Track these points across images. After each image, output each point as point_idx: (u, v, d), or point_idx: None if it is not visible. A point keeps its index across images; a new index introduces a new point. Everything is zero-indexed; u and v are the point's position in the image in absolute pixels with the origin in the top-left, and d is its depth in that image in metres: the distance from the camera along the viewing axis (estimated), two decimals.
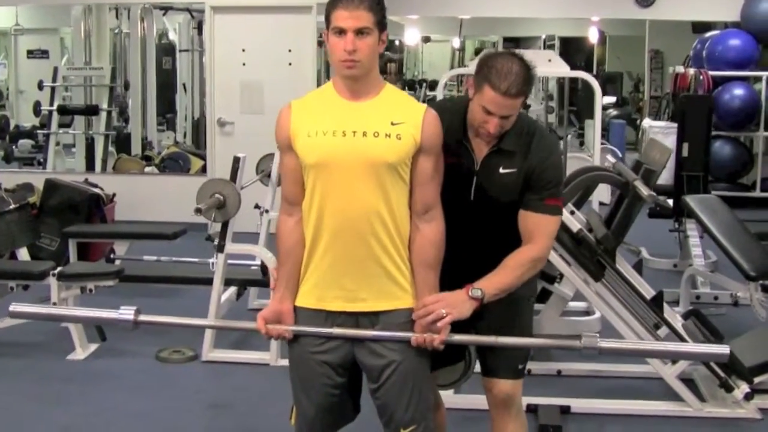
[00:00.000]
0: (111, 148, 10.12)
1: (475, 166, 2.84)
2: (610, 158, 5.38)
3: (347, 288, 2.68)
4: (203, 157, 9.37)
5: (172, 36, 11.74)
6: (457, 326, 2.73)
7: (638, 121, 12.47)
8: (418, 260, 2.70)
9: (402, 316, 2.71)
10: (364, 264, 2.66)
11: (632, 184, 4.24)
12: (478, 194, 2.85)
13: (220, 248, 5.07)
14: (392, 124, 2.63)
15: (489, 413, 3.14)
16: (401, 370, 2.70)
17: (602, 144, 6.52)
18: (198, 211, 4.76)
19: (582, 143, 10.70)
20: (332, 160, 2.63)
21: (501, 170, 2.81)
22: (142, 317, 2.76)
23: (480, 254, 2.84)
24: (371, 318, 2.70)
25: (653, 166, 4.55)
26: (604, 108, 7.91)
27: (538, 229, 2.81)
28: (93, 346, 5.32)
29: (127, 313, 2.76)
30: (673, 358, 4.24)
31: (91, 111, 10.06)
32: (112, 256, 6.39)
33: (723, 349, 2.65)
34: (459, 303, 2.69)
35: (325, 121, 2.65)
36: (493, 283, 2.75)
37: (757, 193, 10.36)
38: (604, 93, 6.77)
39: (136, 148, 10.36)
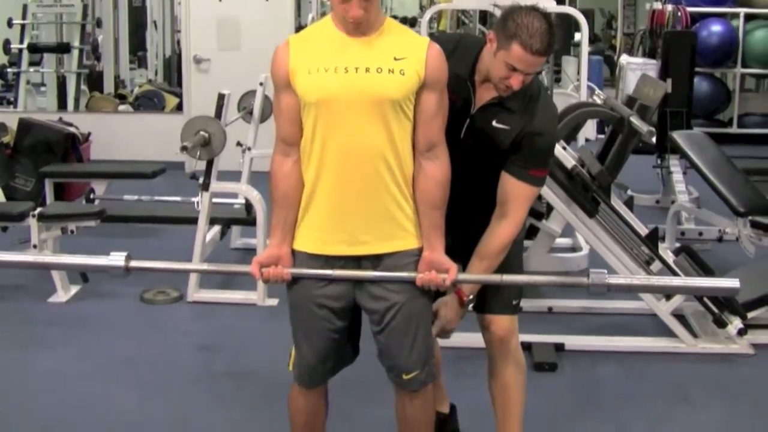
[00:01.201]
0: (83, 87, 9.89)
1: (472, 109, 2.77)
2: (599, 94, 5.30)
3: (349, 231, 2.60)
4: (178, 95, 9.22)
5: None
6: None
7: (615, 58, 12.39)
8: (423, 200, 2.62)
9: (406, 258, 2.64)
10: (366, 205, 2.57)
11: (628, 120, 4.18)
12: (468, 136, 2.78)
13: (205, 187, 4.97)
14: (395, 59, 2.53)
15: (486, 353, 3.11)
16: (405, 312, 2.64)
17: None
18: (184, 149, 4.66)
19: (558, 80, 10.59)
20: (334, 98, 2.53)
21: (494, 123, 2.75)
22: (134, 263, 2.66)
23: (464, 192, 2.76)
24: (374, 261, 2.63)
25: (647, 101, 4.48)
26: (578, 44, 7.81)
27: (516, 198, 2.77)
28: (75, 288, 5.22)
29: (117, 259, 2.66)
30: (682, 293, 4.22)
31: (62, 49, 9.82)
32: (91, 196, 6.26)
33: (733, 283, 2.61)
34: (456, 313, 2.85)
35: (325, 58, 2.55)
36: (477, 280, 2.83)
37: (734, 130, 10.38)
38: (576, 29, 6.71)
39: (108, 86, 10.17)
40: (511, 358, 3.05)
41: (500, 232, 2.79)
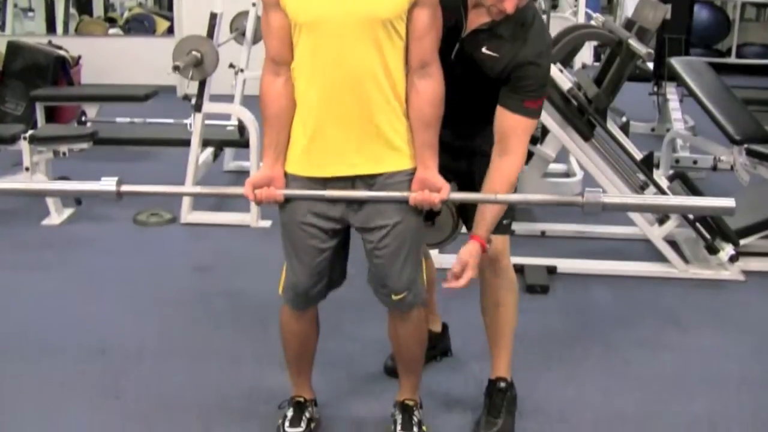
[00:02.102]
0: (72, 10, 9.77)
1: (462, 31, 2.70)
2: (598, 17, 5.24)
3: (341, 152, 2.57)
4: (168, 18, 9.11)
5: None
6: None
7: None
8: (416, 119, 2.58)
9: (399, 177, 2.61)
10: (358, 126, 2.53)
11: (626, 42, 4.13)
12: (457, 61, 2.70)
13: (198, 107, 4.93)
14: None
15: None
16: (397, 232, 2.63)
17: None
18: (176, 68, 4.61)
19: (555, 6, 10.49)
20: (324, 18, 2.46)
21: (484, 49, 2.66)
22: (125, 187, 2.63)
23: (456, 116, 2.70)
24: (367, 181, 2.60)
25: (646, 24, 4.43)
26: None
27: (514, 132, 2.68)
28: (68, 211, 5.22)
29: (109, 184, 2.63)
30: (678, 212, 4.23)
31: None
32: (83, 119, 6.21)
33: (729, 202, 2.60)
34: (478, 260, 2.70)
35: None
36: (490, 223, 2.74)
37: (733, 60, 10.32)
38: None
39: (98, 9, 10.06)
40: (502, 277, 3.03)
41: (504, 169, 2.70)
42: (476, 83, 2.71)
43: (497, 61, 2.64)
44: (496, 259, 2.98)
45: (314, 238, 2.65)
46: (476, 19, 2.67)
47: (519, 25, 2.63)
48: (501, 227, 2.92)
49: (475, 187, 2.80)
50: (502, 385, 3.10)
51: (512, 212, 3.01)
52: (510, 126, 2.67)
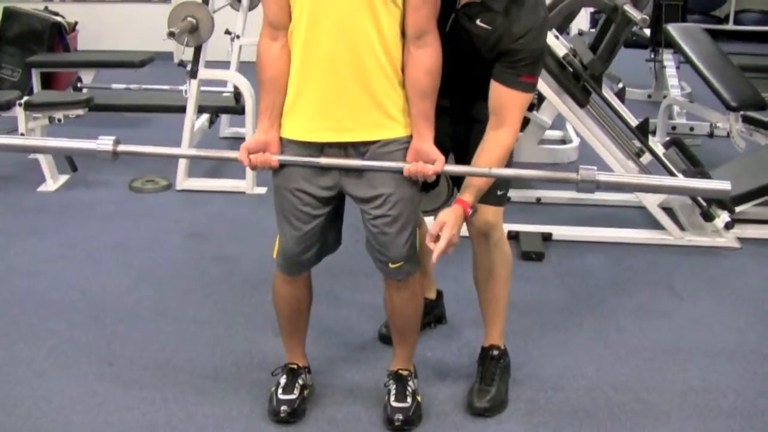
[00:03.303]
0: None
1: (456, 4, 2.68)
2: None
3: (335, 118, 2.56)
4: None
5: None
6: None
7: None
8: (412, 89, 2.58)
9: (394, 146, 2.61)
10: (353, 93, 2.53)
11: (622, 8, 4.10)
12: (452, 33, 2.69)
13: (193, 74, 4.92)
14: None
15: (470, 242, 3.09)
16: (392, 201, 2.62)
17: None
18: (171, 34, 4.58)
19: None
20: None
21: (478, 22, 2.64)
22: (121, 147, 2.63)
23: (451, 83, 2.68)
24: (361, 148, 2.60)
25: None
26: None
27: (510, 107, 2.65)
28: (63, 177, 5.21)
29: (105, 143, 2.63)
30: (673, 193, 4.25)
31: None
32: (79, 84, 6.19)
33: (724, 185, 2.55)
34: (458, 224, 2.62)
35: None
36: (479, 192, 2.69)
37: (731, 26, 10.28)
38: None
39: None
40: (495, 250, 3.00)
41: (499, 142, 2.67)
42: (471, 55, 2.69)
43: (491, 34, 2.62)
44: (488, 231, 2.96)
45: (307, 205, 2.65)
46: None
47: (512, 1, 2.61)
48: (496, 198, 2.92)
49: (471, 153, 2.79)
50: (495, 353, 3.11)
51: (507, 184, 3.00)
52: (505, 100, 2.65)
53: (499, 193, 2.92)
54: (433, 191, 3.40)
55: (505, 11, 2.60)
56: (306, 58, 2.53)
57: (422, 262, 2.95)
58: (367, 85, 2.52)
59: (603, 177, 2.53)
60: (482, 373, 3.08)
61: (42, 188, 5.09)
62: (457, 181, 3.02)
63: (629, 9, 4.09)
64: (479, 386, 3.05)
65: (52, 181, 5.13)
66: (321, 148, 2.60)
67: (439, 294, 3.52)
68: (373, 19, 2.47)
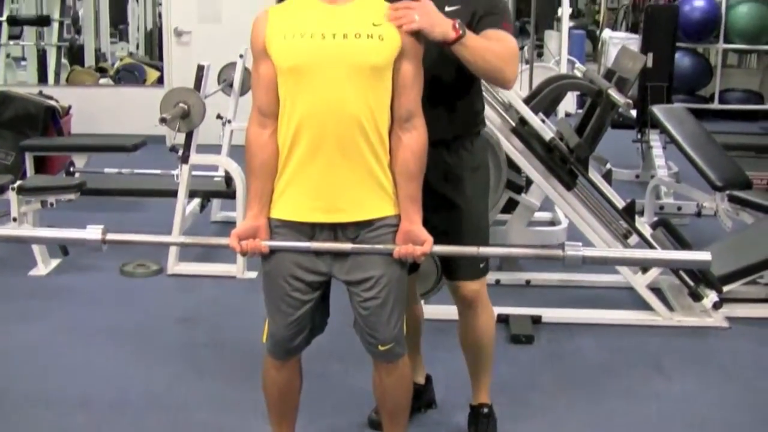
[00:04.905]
0: (63, 60, 9.85)
1: None
2: (579, 67, 5.31)
3: (325, 198, 2.60)
4: (159, 68, 9.19)
5: None
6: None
7: (597, 33, 12.41)
8: (400, 171, 2.63)
9: (384, 228, 2.65)
10: (343, 173, 2.57)
11: (606, 92, 4.19)
12: (431, 45, 2.69)
13: (185, 159, 4.97)
14: (374, 25, 2.53)
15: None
16: (382, 283, 2.64)
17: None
18: (163, 120, 4.65)
19: (540, 54, 10.63)
20: (311, 64, 2.52)
21: (446, 8, 2.74)
22: (110, 236, 2.66)
23: (433, 106, 2.76)
24: (351, 229, 2.64)
25: (626, 74, 4.49)
26: (560, 19, 7.85)
27: (503, 40, 2.73)
28: (55, 262, 5.22)
29: (94, 232, 2.66)
30: (656, 265, 4.27)
31: (42, 22, 9.76)
32: (71, 169, 6.24)
33: (704, 256, 2.63)
34: (438, 19, 2.57)
35: (302, 24, 2.55)
36: (474, 38, 2.64)
37: (716, 105, 10.43)
38: (559, 4, 6.69)
39: (89, 59, 10.13)
40: (480, 313, 3.11)
41: (496, 42, 2.71)
42: (453, 62, 2.72)
43: (462, 11, 2.75)
44: (475, 300, 3.07)
45: (296, 291, 2.67)
46: None
47: None
48: (479, 271, 3.04)
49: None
50: (485, 410, 3.25)
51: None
52: (497, 37, 2.72)
53: (481, 265, 3.04)
54: (421, 276, 3.43)
55: None
56: (295, 138, 2.57)
57: (416, 343, 2.98)
58: (357, 165, 2.56)
59: (588, 252, 2.58)
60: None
61: (33, 272, 5.09)
62: (446, 264, 3.07)
63: (613, 93, 4.17)
64: None
65: (44, 266, 5.14)
66: (312, 230, 2.63)
67: (428, 378, 3.52)
68: (364, 98, 2.53)
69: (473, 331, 3.14)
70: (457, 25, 2.56)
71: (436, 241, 2.66)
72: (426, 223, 2.68)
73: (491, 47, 2.67)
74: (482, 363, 3.23)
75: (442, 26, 2.56)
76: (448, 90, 2.88)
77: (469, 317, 3.12)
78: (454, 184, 2.95)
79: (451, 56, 2.66)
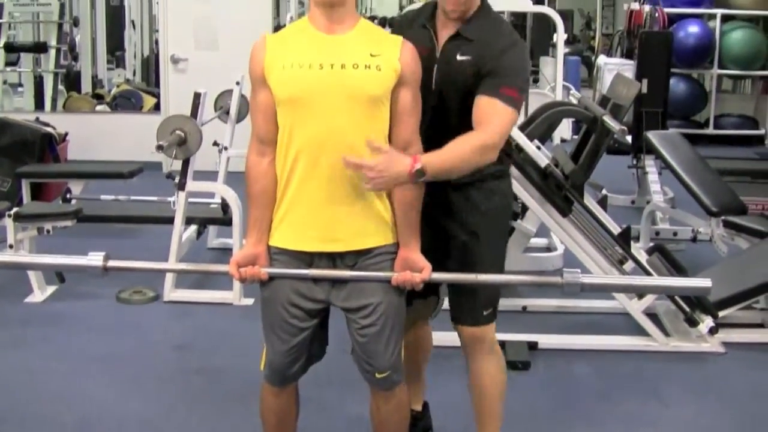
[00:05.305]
0: (60, 87, 9.86)
1: (436, 53, 2.78)
2: (575, 94, 5.34)
3: (324, 227, 2.62)
4: (155, 95, 9.20)
5: None
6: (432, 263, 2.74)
7: (593, 58, 12.46)
8: (398, 200, 2.65)
9: (382, 256, 2.66)
10: (341, 202, 2.59)
11: (601, 119, 4.21)
12: (439, 82, 2.76)
13: (181, 186, 4.97)
14: (371, 55, 2.56)
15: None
16: (381, 311, 2.66)
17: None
18: (159, 148, 4.66)
19: (536, 80, 10.70)
20: (309, 94, 2.55)
21: (458, 57, 2.73)
22: (112, 263, 2.68)
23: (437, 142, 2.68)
24: (349, 258, 2.65)
25: (620, 101, 4.52)
26: (556, 45, 7.89)
27: (490, 116, 2.63)
28: (51, 288, 5.21)
29: (95, 258, 2.67)
30: (656, 292, 4.27)
31: (39, 48, 9.77)
32: (68, 196, 6.24)
33: (705, 282, 2.64)
34: (396, 173, 2.48)
35: (301, 54, 2.57)
36: (437, 163, 2.54)
37: (711, 131, 10.47)
38: (554, 30, 6.75)
39: (86, 86, 10.13)
40: (485, 358, 3.04)
41: (465, 140, 2.60)
42: (460, 102, 2.72)
43: (472, 64, 2.71)
44: (477, 344, 3.00)
45: (294, 318, 2.68)
46: (445, 33, 2.78)
47: (484, 26, 2.75)
48: (482, 318, 2.96)
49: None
50: None
51: (493, 301, 3.00)
52: (485, 110, 2.64)
53: (485, 312, 2.96)
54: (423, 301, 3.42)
55: (479, 38, 2.72)
56: (293, 167, 2.60)
57: (419, 369, 2.97)
58: (355, 195, 2.58)
59: (587, 280, 2.60)
60: None
61: (29, 299, 5.09)
62: (451, 305, 3.06)
63: (608, 120, 4.20)
64: None
65: (40, 292, 5.13)
66: (311, 258, 2.64)
67: (425, 405, 3.51)
68: (361, 128, 2.55)
69: (474, 378, 3.07)
70: (414, 170, 2.48)
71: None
72: (428, 255, 2.68)
73: (459, 155, 2.58)
74: (484, 411, 3.12)
75: (399, 179, 2.50)
76: (450, 130, 2.72)
77: (471, 362, 3.06)
78: (461, 224, 2.90)
79: (452, 96, 2.71)
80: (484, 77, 2.68)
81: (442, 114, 2.77)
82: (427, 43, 2.77)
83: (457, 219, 2.89)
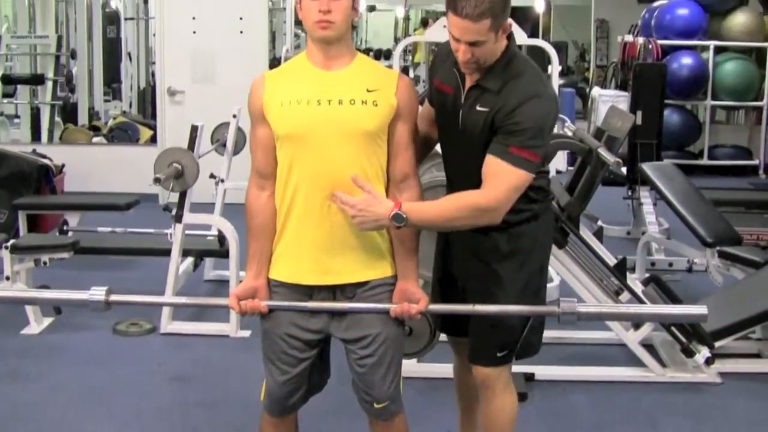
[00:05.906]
0: (57, 119, 9.89)
1: (461, 98, 2.74)
2: (569, 126, 5.38)
3: (322, 260, 2.65)
4: (152, 127, 9.22)
5: (115, 4, 11.51)
6: (445, 295, 2.80)
7: (587, 90, 12.54)
8: (394, 233, 2.67)
9: (380, 288, 2.69)
10: (340, 237, 2.62)
11: (596, 151, 4.24)
12: (463, 126, 2.73)
13: (178, 218, 4.99)
14: (368, 91, 2.59)
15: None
16: (380, 342, 2.68)
17: None
18: (157, 180, 4.68)
19: None
20: (307, 130, 2.58)
21: (477, 107, 2.68)
22: (114, 297, 2.68)
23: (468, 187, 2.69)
24: (348, 290, 2.67)
25: (615, 133, 4.55)
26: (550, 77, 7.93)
27: (494, 177, 2.61)
28: (47, 320, 5.21)
29: (98, 293, 2.68)
30: (652, 320, 4.28)
31: (36, 80, 9.82)
32: (65, 227, 6.25)
33: (700, 309, 2.66)
34: (376, 215, 2.52)
35: (298, 90, 2.60)
36: (420, 213, 2.58)
37: (705, 161, 10.51)
38: (549, 62, 6.77)
39: (82, 118, 10.15)
40: (491, 396, 3.02)
41: (471, 192, 2.63)
42: (483, 148, 2.67)
43: (488, 116, 2.66)
44: (489, 385, 2.99)
45: (294, 348, 2.70)
46: (470, 79, 2.73)
47: (505, 76, 2.67)
48: (494, 359, 2.94)
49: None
50: None
51: (510, 344, 2.95)
52: (492, 171, 2.62)
53: (499, 354, 2.93)
54: (415, 334, 3.44)
55: (499, 90, 2.65)
56: (292, 201, 2.63)
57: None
58: (354, 228, 2.60)
59: (583, 309, 2.61)
60: None
61: (26, 331, 5.08)
62: (444, 324, 3.08)
63: (603, 152, 4.23)
64: None
65: (36, 324, 5.12)
66: (310, 290, 2.66)
67: None
68: (358, 163, 2.58)
69: (484, 416, 3.07)
70: (392, 215, 2.51)
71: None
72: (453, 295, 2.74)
73: (444, 211, 2.61)
74: None
75: (379, 221, 2.54)
76: (475, 173, 2.69)
77: (483, 399, 3.05)
78: (485, 264, 2.88)
79: (475, 142, 2.68)
80: (496, 133, 2.65)
81: (468, 155, 2.73)
82: (454, 84, 2.76)
83: (481, 259, 2.89)
